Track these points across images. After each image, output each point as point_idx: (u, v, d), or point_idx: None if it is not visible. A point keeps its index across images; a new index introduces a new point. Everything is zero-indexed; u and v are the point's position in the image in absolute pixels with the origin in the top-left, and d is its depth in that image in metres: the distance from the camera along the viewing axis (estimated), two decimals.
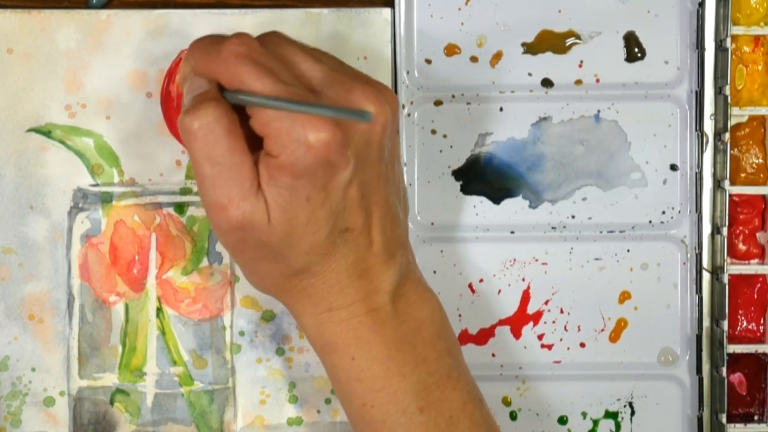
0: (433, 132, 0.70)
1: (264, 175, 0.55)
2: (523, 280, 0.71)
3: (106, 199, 0.69)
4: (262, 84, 0.54)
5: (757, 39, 0.70)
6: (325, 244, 0.57)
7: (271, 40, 0.58)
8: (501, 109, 0.70)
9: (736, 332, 0.71)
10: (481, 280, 0.70)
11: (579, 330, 0.71)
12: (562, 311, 0.71)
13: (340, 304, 0.58)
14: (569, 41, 0.70)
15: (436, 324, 0.60)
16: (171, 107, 0.69)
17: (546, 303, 0.71)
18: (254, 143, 0.56)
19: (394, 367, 0.58)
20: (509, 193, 0.70)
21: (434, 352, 0.59)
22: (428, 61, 0.70)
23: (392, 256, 0.59)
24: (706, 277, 0.70)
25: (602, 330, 0.71)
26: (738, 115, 0.69)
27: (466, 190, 0.70)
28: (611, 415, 0.71)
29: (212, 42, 0.56)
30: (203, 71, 0.56)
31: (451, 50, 0.70)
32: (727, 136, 0.68)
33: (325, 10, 0.69)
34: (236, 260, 0.59)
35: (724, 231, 0.69)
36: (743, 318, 0.71)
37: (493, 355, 0.71)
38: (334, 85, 0.56)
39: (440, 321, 0.60)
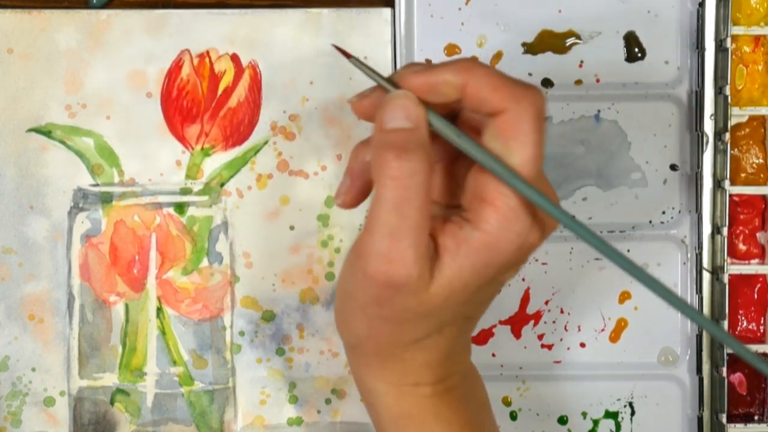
0: None
1: (449, 244, 0.51)
2: (523, 280, 0.71)
3: (106, 199, 0.69)
4: (526, 153, 0.49)
5: (757, 39, 0.70)
6: (456, 327, 0.54)
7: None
8: None
9: (736, 332, 0.71)
10: None
11: (579, 330, 0.71)
12: (562, 311, 0.71)
13: (427, 381, 0.55)
14: (569, 41, 0.70)
15: (488, 403, 0.59)
16: (171, 107, 0.69)
17: (546, 303, 0.71)
18: None
19: None
20: None
21: None
22: (428, 62, 0.70)
23: None
24: (706, 277, 0.70)
25: (602, 330, 0.71)
26: (738, 115, 0.69)
27: None
28: (611, 415, 0.71)
29: (469, 58, 0.53)
30: (447, 81, 0.51)
31: (451, 50, 0.70)
32: (727, 136, 0.68)
33: (325, 10, 0.69)
34: (360, 311, 0.53)
35: (724, 231, 0.69)
36: (743, 318, 0.71)
37: (493, 355, 0.71)
38: (539, 182, 0.51)
39: (489, 401, 0.59)
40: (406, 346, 0.54)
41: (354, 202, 0.55)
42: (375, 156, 0.50)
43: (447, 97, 0.51)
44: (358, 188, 0.54)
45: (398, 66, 0.70)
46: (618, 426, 0.71)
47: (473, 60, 0.52)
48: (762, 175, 0.70)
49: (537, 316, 0.71)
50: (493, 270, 0.51)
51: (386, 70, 0.69)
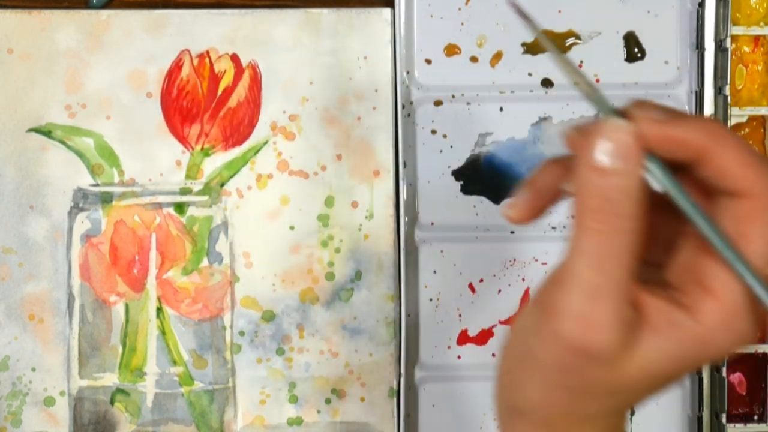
0: (433, 132, 0.70)
1: (656, 322, 0.44)
2: (523, 280, 0.71)
3: (106, 199, 0.69)
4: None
5: (757, 39, 0.70)
6: (627, 410, 0.48)
7: None
8: (501, 109, 0.70)
9: None
10: (481, 280, 0.70)
11: None
12: None
13: None
14: (569, 41, 0.70)
15: None
16: (171, 107, 0.69)
17: None
18: None
19: None
20: (509, 193, 0.70)
21: None
22: (428, 61, 0.70)
23: None
24: None
25: None
26: (738, 115, 0.69)
27: (466, 190, 0.70)
28: None
29: (714, 120, 0.47)
30: (687, 142, 0.44)
31: (451, 50, 0.70)
32: None
33: (325, 10, 0.69)
34: (539, 374, 0.47)
35: None
36: None
37: (493, 355, 0.71)
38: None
39: None
40: (579, 421, 0.47)
41: (526, 219, 0.49)
42: (579, 198, 0.43)
43: (674, 156, 0.44)
44: (537, 207, 0.48)
45: (398, 66, 0.70)
46: None
47: (718, 124, 0.46)
48: None
49: None
50: (698, 363, 0.45)
51: (386, 70, 0.69)
